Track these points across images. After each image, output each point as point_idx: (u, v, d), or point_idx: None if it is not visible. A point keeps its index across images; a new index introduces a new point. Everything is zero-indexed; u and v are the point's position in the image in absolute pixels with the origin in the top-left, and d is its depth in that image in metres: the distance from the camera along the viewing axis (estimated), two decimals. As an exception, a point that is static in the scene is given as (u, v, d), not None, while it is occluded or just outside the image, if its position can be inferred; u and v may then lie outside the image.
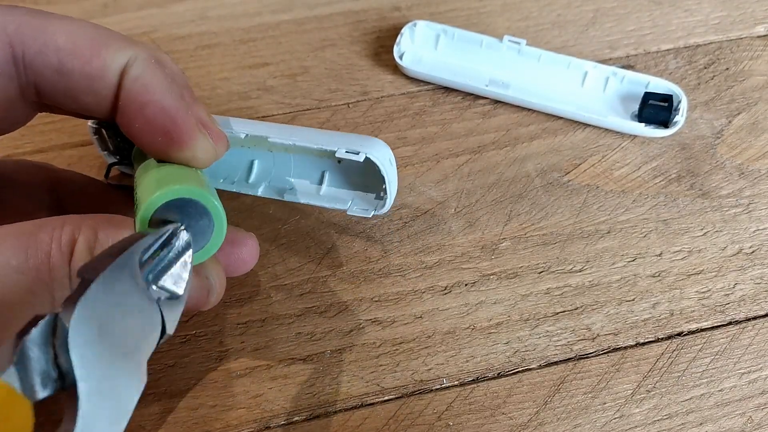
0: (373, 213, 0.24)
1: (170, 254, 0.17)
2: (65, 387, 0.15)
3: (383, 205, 0.24)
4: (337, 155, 0.23)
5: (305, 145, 0.23)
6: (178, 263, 0.17)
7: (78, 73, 0.18)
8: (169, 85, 0.18)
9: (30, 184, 0.23)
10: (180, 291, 0.17)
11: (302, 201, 0.25)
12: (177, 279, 0.17)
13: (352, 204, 0.25)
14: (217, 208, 0.18)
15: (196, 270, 0.18)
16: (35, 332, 0.15)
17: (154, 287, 0.16)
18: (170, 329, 0.17)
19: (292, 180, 0.26)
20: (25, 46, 0.17)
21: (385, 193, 0.24)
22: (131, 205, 0.24)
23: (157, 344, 0.16)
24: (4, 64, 0.17)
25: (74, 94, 0.18)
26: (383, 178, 0.23)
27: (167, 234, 0.17)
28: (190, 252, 0.17)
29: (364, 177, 0.25)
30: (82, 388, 0.15)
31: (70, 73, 0.18)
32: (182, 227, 0.17)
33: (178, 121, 0.18)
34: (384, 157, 0.23)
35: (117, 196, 0.25)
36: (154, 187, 0.17)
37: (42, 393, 0.15)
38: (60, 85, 0.18)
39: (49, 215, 0.22)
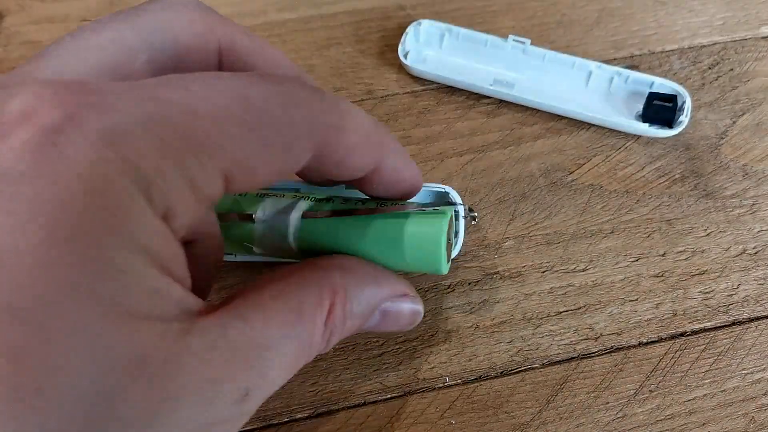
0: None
1: None
2: None
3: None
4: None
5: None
6: None
7: (350, 169, 0.18)
8: (408, 161, 0.21)
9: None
10: None
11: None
12: None
13: None
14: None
15: None
16: None
17: None
18: None
19: None
20: (326, 149, 0.17)
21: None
22: None
23: None
24: (304, 159, 0.17)
25: (330, 175, 0.19)
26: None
27: None
28: None
29: None
30: None
31: (344, 168, 0.18)
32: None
33: (418, 184, 0.21)
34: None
35: None
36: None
37: None
38: (325, 172, 0.19)
39: None
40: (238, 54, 0.20)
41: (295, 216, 0.22)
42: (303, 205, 0.22)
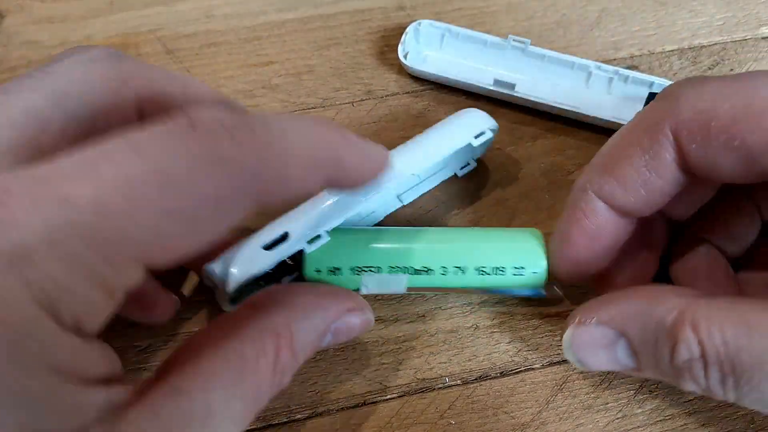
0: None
1: None
2: None
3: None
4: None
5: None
6: None
7: (305, 191, 0.17)
8: (367, 148, 0.19)
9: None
10: None
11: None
12: None
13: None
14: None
15: None
16: None
17: None
18: None
19: None
20: (271, 191, 0.16)
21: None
22: None
23: None
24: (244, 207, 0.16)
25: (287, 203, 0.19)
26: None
27: None
28: None
29: None
30: None
31: (299, 194, 0.17)
32: None
33: (382, 165, 0.20)
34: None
35: None
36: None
37: None
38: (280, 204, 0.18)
39: None
40: (158, 99, 0.19)
41: (401, 289, 0.24)
42: (405, 281, 0.24)
